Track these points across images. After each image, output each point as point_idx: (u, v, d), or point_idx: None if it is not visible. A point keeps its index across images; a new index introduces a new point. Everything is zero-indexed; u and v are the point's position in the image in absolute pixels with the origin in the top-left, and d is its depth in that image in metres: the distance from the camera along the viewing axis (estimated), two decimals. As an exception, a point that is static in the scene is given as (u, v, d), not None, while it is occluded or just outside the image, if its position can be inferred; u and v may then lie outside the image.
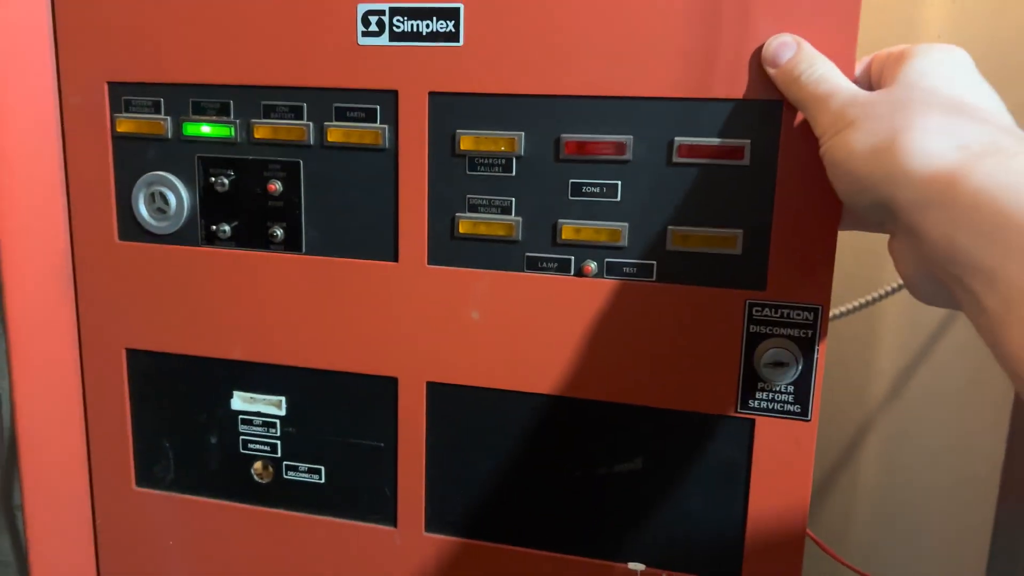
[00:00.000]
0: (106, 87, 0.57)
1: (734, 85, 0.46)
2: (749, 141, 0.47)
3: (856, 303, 0.83)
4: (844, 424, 1.00)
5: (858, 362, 0.95)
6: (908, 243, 0.39)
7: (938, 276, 0.37)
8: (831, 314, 0.85)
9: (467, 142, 0.51)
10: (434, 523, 0.57)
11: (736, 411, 0.50)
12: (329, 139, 0.53)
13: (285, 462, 0.60)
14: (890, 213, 0.38)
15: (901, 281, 0.80)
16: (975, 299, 0.33)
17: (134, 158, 0.58)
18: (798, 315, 0.48)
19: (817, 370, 0.48)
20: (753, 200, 0.48)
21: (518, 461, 0.55)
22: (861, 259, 0.89)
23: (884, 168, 0.37)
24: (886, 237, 0.42)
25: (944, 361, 0.91)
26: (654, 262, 0.50)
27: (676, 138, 0.48)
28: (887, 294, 0.82)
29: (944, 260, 0.35)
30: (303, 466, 0.59)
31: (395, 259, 0.54)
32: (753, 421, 0.50)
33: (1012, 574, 0.82)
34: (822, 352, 0.48)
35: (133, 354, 0.61)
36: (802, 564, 0.51)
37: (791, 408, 0.49)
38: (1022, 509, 0.83)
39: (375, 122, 0.52)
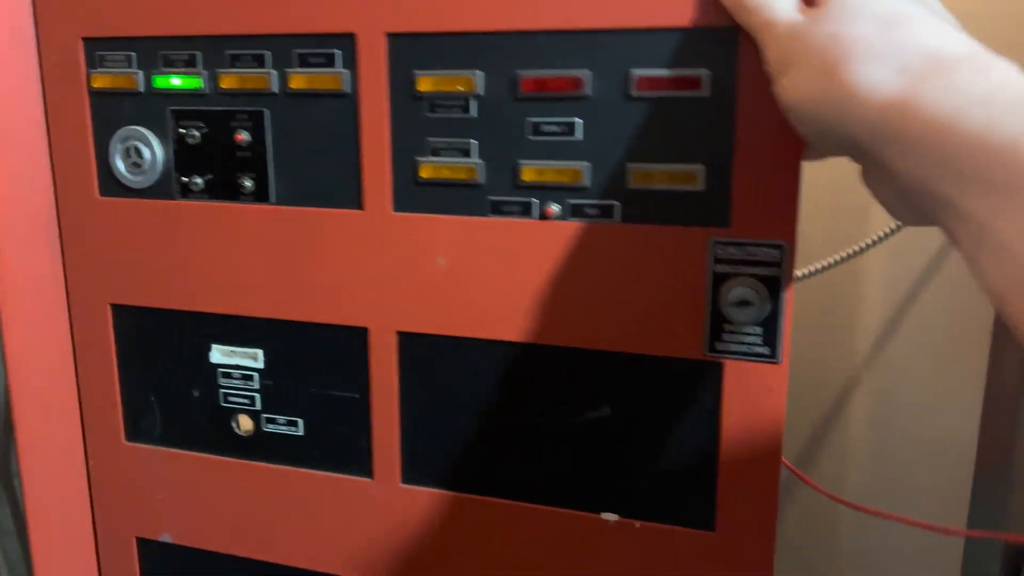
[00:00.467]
0: (81, 43, 0.57)
1: (689, 12, 0.44)
2: (707, 71, 0.45)
3: (837, 256, 0.81)
4: (832, 382, 0.99)
5: (843, 320, 0.94)
6: (878, 175, 0.37)
7: (912, 203, 0.35)
8: (813, 269, 0.82)
9: (425, 83, 0.50)
10: (410, 474, 0.57)
11: (704, 354, 0.48)
12: (292, 86, 0.53)
13: (264, 415, 0.60)
14: (855, 147, 0.36)
15: (881, 235, 0.78)
16: (949, 231, 0.32)
17: (110, 113, 0.58)
18: (763, 253, 0.46)
19: (785, 310, 0.46)
20: (714, 133, 0.46)
21: (490, 411, 0.54)
22: (841, 215, 0.88)
23: (834, 108, 0.35)
24: (865, 197, 0.40)
25: (925, 314, 0.90)
26: (616, 202, 0.48)
27: (633, 70, 0.46)
28: (867, 247, 0.79)
29: (913, 192, 0.33)
30: (282, 418, 0.60)
31: (360, 207, 0.53)
32: (721, 365, 0.48)
33: (992, 516, 0.81)
34: (789, 291, 0.46)
35: (118, 309, 0.62)
36: (777, 513, 0.49)
37: (760, 351, 0.47)
38: (1000, 458, 0.81)
39: (335, 67, 0.52)
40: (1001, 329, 0.80)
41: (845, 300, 0.93)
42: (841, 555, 1.03)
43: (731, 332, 0.48)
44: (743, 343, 0.47)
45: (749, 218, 0.46)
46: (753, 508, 0.49)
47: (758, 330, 0.47)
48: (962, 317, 0.88)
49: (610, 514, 0.53)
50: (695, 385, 0.49)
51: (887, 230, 0.78)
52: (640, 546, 0.52)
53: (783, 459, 0.50)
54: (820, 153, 0.44)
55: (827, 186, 0.90)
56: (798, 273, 0.81)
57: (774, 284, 0.46)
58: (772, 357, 0.47)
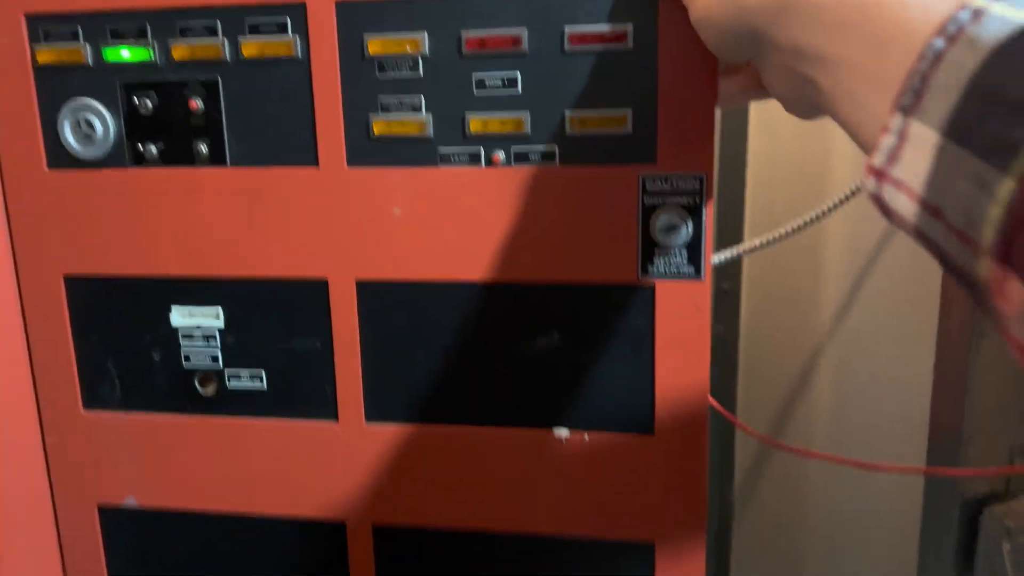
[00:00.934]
0: (24, 19, 0.59)
1: (614, -27, 0.51)
2: (631, 25, 0.52)
3: (797, 223, 0.88)
4: (797, 354, 1.06)
5: (805, 292, 1.01)
6: (771, 63, 0.43)
7: (797, 86, 0.42)
8: (774, 237, 0.89)
9: (375, 46, 0.55)
10: (374, 413, 0.62)
11: (638, 278, 0.55)
12: (245, 54, 0.56)
13: (227, 370, 0.63)
14: (753, 43, 0.43)
15: (837, 200, 0.86)
16: (816, 87, 0.38)
17: (57, 87, 0.60)
18: (686, 184, 0.53)
19: (706, 232, 0.54)
20: (639, 80, 0.52)
21: (447, 346, 0.59)
22: (804, 186, 0.95)
23: (735, 6, 0.42)
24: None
25: (883, 280, 0.97)
26: (556, 147, 0.54)
27: (566, 27, 0.52)
28: (824, 214, 0.87)
29: (795, 63, 0.40)
30: (245, 373, 0.63)
31: (316, 164, 0.57)
32: (653, 287, 0.55)
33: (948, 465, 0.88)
34: (709, 215, 0.53)
35: (71, 280, 0.63)
36: (708, 414, 0.57)
37: (686, 270, 0.54)
38: (952, 409, 0.88)
39: (287, 34, 0.56)
40: (948, 288, 0.85)
41: (806, 270, 1.00)
42: (811, 520, 1.10)
43: (661, 256, 0.54)
44: (671, 265, 0.54)
45: (672, 154, 0.53)
46: (686, 410, 0.57)
47: (684, 252, 0.54)
48: (917, 280, 0.95)
49: (562, 429, 0.59)
50: (632, 306, 0.56)
51: (843, 195, 0.85)
52: (590, 454, 0.59)
53: (710, 399, 0.57)
54: (727, 58, 0.51)
55: (786, 159, 0.98)
56: (757, 242, 0.88)
57: (696, 210, 0.53)
58: (697, 275, 0.54)
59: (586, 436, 0.59)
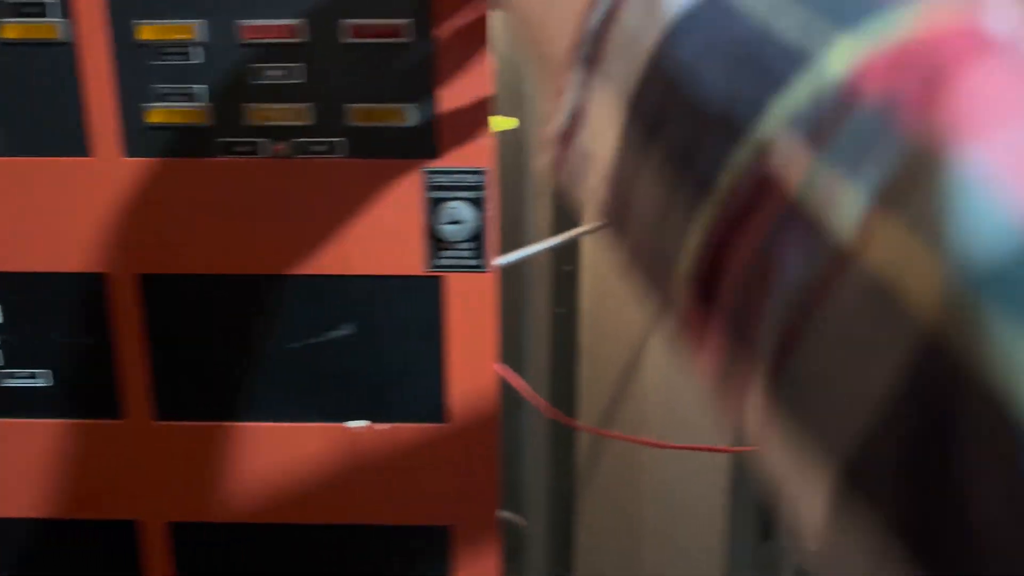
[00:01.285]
0: None
1: (389, -33, 0.51)
2: (411, 20, 0.52)
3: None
4: (633, 335, 1.08)
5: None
6: None
7: None
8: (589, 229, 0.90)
9: (148, 32, 0.52)
10: (163, 411, 0.60)
11: (426, 271, 0.56)
12: (5, 35, 0.53)
13: (4, 370, 0.60)
14: None
15: None
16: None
17: None
18: (469, 178, 0.54)
19: (489, 227, 0.55)
20: (419, 75, 0.53)
21: (238, 341, 0.58)
22: None
23: None
24: None
25: None
26: (339, 139, 0.54)
27: (345, 20, 0.52)
28: None
29: None
30: (24, 371, 0.60)
31: (89, 155, 0.55)
32: (440, 278, 0.56)
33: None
34: (492, 209, 0.54)
35: None
36: (499, 402, 0.58)
37: (471, 262, 0.55)
38: None
39: (50, 16, 0.53)
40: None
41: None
42: (645, 502, 1.13)
43: (446, 249, 0.55)
44: (457, 257, 0.55)
45: (454, 149, 0.53)
46: (476, 398, 0.58)
47: (469, 246, 0.55)
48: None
49: (357, 422, 0.59)
50: (421, 298, 0.57)
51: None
52: (386, 445, 0.59)
53: (497, 366, 0.59)
54: None
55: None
56: (587, 227, 0.89)
57: (479, 204, 0.54)
58: (481, 267, 0.55)
59: (380, 427, 0.59)
